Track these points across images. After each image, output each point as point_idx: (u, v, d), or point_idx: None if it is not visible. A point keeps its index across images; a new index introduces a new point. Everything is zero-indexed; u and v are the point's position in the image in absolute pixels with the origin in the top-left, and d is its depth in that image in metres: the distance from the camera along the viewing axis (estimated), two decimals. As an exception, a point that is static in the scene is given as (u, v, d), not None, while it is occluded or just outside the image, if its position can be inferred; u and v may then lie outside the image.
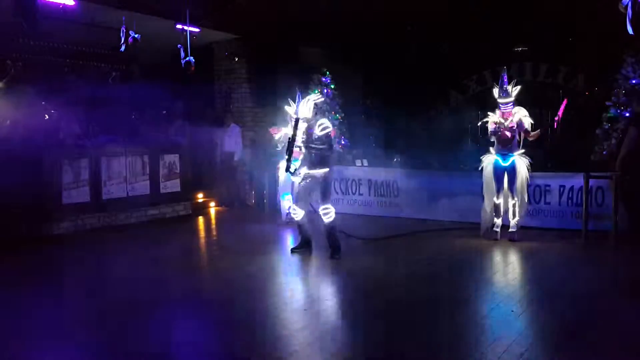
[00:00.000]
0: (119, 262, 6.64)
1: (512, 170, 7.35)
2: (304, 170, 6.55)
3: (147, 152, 9.12)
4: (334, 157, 7.60)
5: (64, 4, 7.91)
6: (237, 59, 11.38)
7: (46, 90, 8.37)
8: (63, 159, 8.03)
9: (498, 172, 7.42)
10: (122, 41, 8.43)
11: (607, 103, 8.76)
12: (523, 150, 7.45)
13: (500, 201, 7.50)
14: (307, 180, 6.61)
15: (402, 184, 9.37)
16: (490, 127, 7.42)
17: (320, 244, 6.85)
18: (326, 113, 10.43)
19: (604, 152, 8.62)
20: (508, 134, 7.28)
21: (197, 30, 9.50)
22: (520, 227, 7.57)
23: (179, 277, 5.95)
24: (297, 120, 6.39)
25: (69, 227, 7.98)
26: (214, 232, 9.04)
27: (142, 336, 4.28)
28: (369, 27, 10.37)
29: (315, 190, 6.66)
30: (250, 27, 10.45)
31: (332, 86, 10.75)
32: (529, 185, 7.58)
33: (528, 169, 7.39)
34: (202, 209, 10.54)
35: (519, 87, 7.32)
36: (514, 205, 7.45)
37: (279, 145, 7.45)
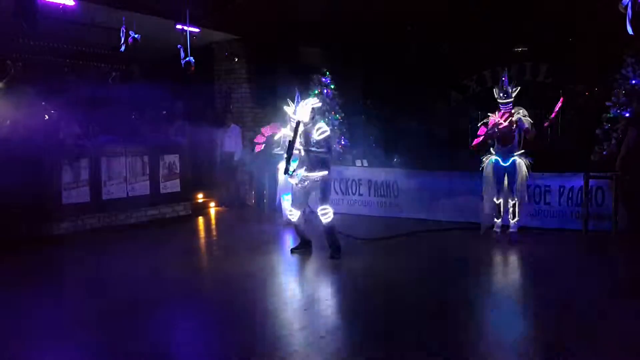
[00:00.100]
0: (118, 262, 6.64)
1: (512, 171, 7.35)
2: (302, 172, 6.55)
3: (147, 152, 9.12)
4: (334, 158, 7.60)
5: (64, 4, 7.91)
6: (237, 59, 11.38)
7: (46, 91, 8.36)
8: (63, 159, 8.02)
9: (498, 172, 7.42)
10: (122, 41, 8.43)
11: (607, 103, 8.76)
12: (523, 150, 7.45)
13: (500, 201, 7.50)
14: (305, 183, 6.61)
15: (402, 184, 9.38)
16: (486, 128, 7.42)
17: (320, 244, 6.86)
18: (326, 113, 10.44)
19: (604, 152, 8.62)
20: (505, 123, 7.24)
21: (197, 30, 9.50)
22: (520, 228, 7.57)
23: (179, 277, 5.96)
24: (298, 123, 6.39)
25: (68, 227, 7.98)
26: (214, 232, 9.04)
27: (142, 336, 4.28)
28: (369, 27, 10.37)
29: (313, 192, 6.67)
30: (250, 27, 10.45)
31: (332, 86, 10.75)
32: (529, 186, 7.58)
33: (528, 169, 7.39)
34: (202, 209, 10.54)
35: (519, 88, 7.32)
36: (513, 206, 7.45)
37: (275, 148, 7.48)
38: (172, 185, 9.51)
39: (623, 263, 6.60)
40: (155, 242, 7.83)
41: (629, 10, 5.71)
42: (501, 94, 7.27)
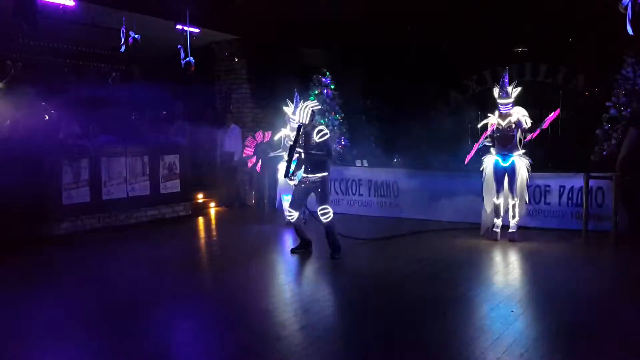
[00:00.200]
0: (118, 262, 6.64)
1: (512, 171, 7.35)
2: (301, 173, 6.55)
3: (147, 153, 9.12)
4: (333, 159, 7.60)
5: (64, 4, 7.92)
6: (237, 60, 11.38)
7: (46, 91, 8.37)
8: (63, 159, 8.02)
9: (498, 172, 7.42)
10: (122, 41, 8.44)
11: (607, 103, 8.76)
12: (523, 151, 7.45)
13: (500, 201, 7.50)
14: (305, 184, 6.61)
15: (402, 185, 9.37)
16: (489, 130, 7.45)
17: (320, 244, 6.86)
18: (326, 114, 10.44)
19: (604, 153, 8.62)
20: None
21: (197, 30, 9.50)
22: (520, 228, 7.58)
23: (179, 277, 5.95)
24: (299, 127, 6.39)
25: (68, 227, 7.98)
26: (214, 233, 9.04)
27: (142, 336, 4.28)
28: (369, 27, 10.37)
29: (312, 193, 6.67)
30: (250, 27, 10.45)
31: (332, 86, 10.75)
32: (529, 186, 7.58)
33: (528, 170, 7.39)
34: (202, 210, 10.53)
35: (519, 89, 7.32)
36: (513, 206, 7.45)
37: (274, 150, 7.50)
38: (172, 186, 9.51)
39: (623, 263, 6.60)
40: (155, 242, 7.83)
41: (629, 11, 5.72)
42: (501, 94, 7.27)
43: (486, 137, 7.49)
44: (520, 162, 7.38)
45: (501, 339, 4.07)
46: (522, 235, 7.50)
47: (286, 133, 7.66)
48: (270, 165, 9.32)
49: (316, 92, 10.48)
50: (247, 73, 11.44)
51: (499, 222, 7.58)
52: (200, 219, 9.77)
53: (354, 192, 9.82)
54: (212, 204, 10.92)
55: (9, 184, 6.90)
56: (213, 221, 9.86)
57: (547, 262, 6.56)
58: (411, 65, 11.52)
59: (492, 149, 7.53)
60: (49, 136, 8.16)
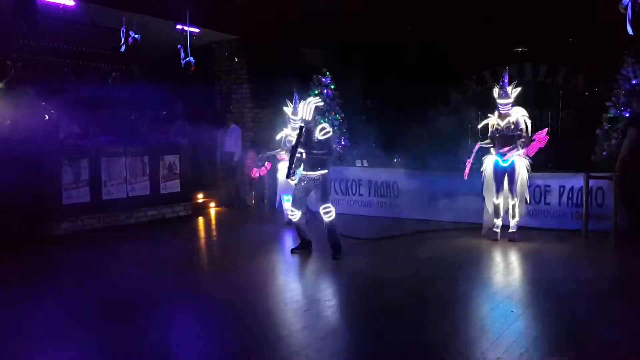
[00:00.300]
0: (118, 262, 6.64)
1: (511, 171, 7.35)
2: (301, 171, 6.55)
3: (147, 153, 9.11)
4: (334, 159, 7.61)
5: (64, 4, 7.92)
6: (237, 60, 11.39)
7: (46, 91, 8.37)
8: (63, 159, 8.02)
9: (498, 172, 7.42)
10: (122, 41, 8.44)
11: (607, 103, 8.76)
12: (523, 151, 7.44)
13: (499, 201, 7.50)
14: (305, 182, 6.61)
15: (402, 185, 9.37)
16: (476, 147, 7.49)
17: (321, 244, 6.86)
18: (326, 114, 10.44)
19: (604, 153, 8.62)
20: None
21: (197, 30, 9.50)
22: (520, 228, 7.57)
23: (179, 277, 5.95)
24: (301, 128, 6.39)
25: (68, 227, 7.98)
26: (214, 233, 9.04)
27: (142, 337, 4.28)
28: (369, 27, 10.38)
29: (313, 191, 6.67)
30: (250, 27, 10.45)
31: (332, 86, 10.75)
32: (529, 186, 7.58)
33: (528, 170, 7.39)
34: (202, 210, 10.54)
35: (519, 89, 7.32)
36: (513, 206, 7.45)
37: (276, 150, 7.50)
38: (172, 186, 9.50)
39: (623, 263, 6.60)
40: (155, 242, 7.83)
41: (629, 11, 5.71)
42: (501, 94, 7.27)
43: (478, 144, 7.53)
44: (520, 162, 7.37)
45: (501, 339, 4.07)
46: (522, 235, 7.50)
47: (287, 133, 7.66)
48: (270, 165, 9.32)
49: (316, 92, 10.49)
50: (247, 73, 11.45)
51: (498, 222, 7.58)
52: (200, 219, 9.77)
53: (354, 192, 9.82)
54: (212, 204, 10.92)
55: (9, 184, 6.89)
56: (213, 221, 9.86)
57: (547, 262, 6.56)
58: (411, 65, 11.52)
59: (492, 149, 7.53)
60: (49, 136, 8.16)
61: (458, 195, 8.70)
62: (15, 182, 7.01)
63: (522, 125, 7.28)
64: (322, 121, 8.95)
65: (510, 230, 7.50)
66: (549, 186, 8.18)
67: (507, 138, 7.33)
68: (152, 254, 7.05)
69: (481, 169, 7.62)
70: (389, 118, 11.59)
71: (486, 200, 7.64)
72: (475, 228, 7.94)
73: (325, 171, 6.59)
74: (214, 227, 9.48)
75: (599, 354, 3.89)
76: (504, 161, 7.36)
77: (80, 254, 7.10)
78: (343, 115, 10.85)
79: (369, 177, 9.73)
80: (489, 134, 7.52)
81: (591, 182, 7.61)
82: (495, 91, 7.37)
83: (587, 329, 4.34)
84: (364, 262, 6.55)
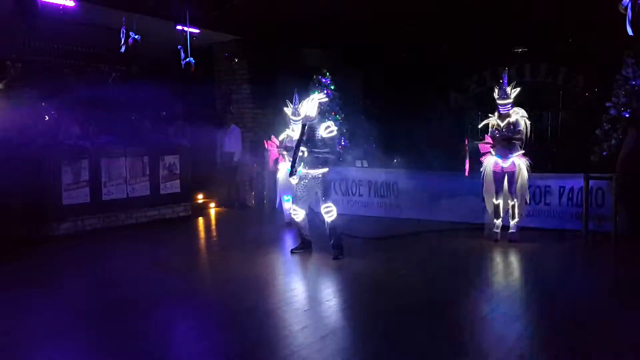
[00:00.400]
0: (118, 262, 6.64)
1: (511, 171, 7.34)
2: (302, 169, 6.54)
3: (147, 153, 9.11)
4: (335, 159, 7.61)
5: (64, 4, 7.92)
6: (237, 60, 11.38)
7: (46, 91, 8.37)
8: (63, 159, 8.02)
9: (498, 173, 7.42)
10: (122, 42, 8.43)
11: (607, 103, 8.75)
12: (523, 151, 7.44)
13: (499, 202, 7.50)
14: (306, 181, 6.61)
15: (402, 185, 9.37)
16: (488, 135, 7.48)
17: (321, 244, 6.86)
18: (326, 114, 10.44)
19: (604, 153, 8.62)
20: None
21: (197, 31, 9.49)
22: (520, 228, 7.57)
23: (179, 277, 5.95)
24: (304, 126, 6.39)
25: (68, 227, 7.98)
26: (214, 233, 9.04)
27: (142, 337, 4.28)
28: (369, 27, 10.37)
29: (314, 190, 6.66)
30: (250, 27, 10.45)
31: (332, 87, 10.75)
32: (529, 186, 7.57)
33: (528, 170, 7.38)
34: (202, 210, 10.54)
35: (518, 89, 7.32)
36: (513, 207, 7.45)
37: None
38: (172, 186, 9.50)
39: (623, 264, 6.60)
40: (155, 242, 7.83)
41: (629, 11, 5.71)
42: (500, 95, 7.28)
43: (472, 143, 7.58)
44: (520, 162, 7.37)
45: (501, 339, 4.07)
46: (522, 236, 7.50)
47: (288, 134, 7.67)
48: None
49: (316, 92, 10.47)
50: (247, 73, 11.43)
51: (498, 222, 7.58)
52: (200, 220, 9.77)
53: (354, 192, 9.82)
54: (212, 205, 10.92)
55: (9, 184, 6.90)
56: (213, 221, 9.86)
57: (547, 262, 6.56)
58: (411, 66, 11.52)
59: (491, 150, 7.53)
60: (49, 136, 8.16)
61: (458, 196, 8.70)
62: (16, 182, 7.03)
63: (522, 126, 7.28)
64: (326, 119, 8.94)
65: (510, 230, 7.50)
66: (549, 186, 8.18)
67: (507, 138, 7.32)
68: (152, 254, 7.05)
69: (481, 169, 7.62)
70: (389, 118, 11.59)
71: (486, 200, 7.64)
72: (475, 228, 7.94)
73: (327, 170, 6.60)
74: (214, 227, 9.48)
75: (599, 355, 3.89)
76: (504, 161, 7.36)
77: (80, 254, 7.11)
78: (343, 115, 10.85)
79: (369, 177, 9.73)
80: (488, 134, 7.52)
81: (591, 183, 7.61)
82: (495, 92, 7.38)
83: (587, 329, 4.34)
84: (364, 262, 6.55)
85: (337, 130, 6.74)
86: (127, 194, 8.80)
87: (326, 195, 6.60)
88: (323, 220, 6.64)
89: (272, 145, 8.92)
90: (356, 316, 4.79)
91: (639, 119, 7.79)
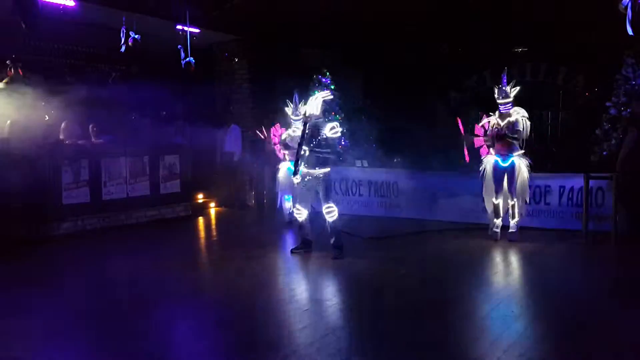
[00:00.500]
0: (119, 262, 6.64)
1: (511, 171, 7.35)
2: (303, 169, 6.54)
3: (147, 153, 9.11)
4: (335, 159, 7.61)
5: (64, 4, 7.92)
6: (237, 60, 11.38)
7: (46, 91, 8.36)
8: (63, 159, 8.02)
9: (498, 172, 7.42)
10: (122, 42, 8.43)
11: (607, 103, 8.75)
12: (523, 151, 7.44)
13: (499, 202, 7.50)
14: (307, 179, 6.61)
15: (402, 185, 9.37)
16: (487, 132, 7.48)
17: (321, 244, 6.86)
18: (326, 114, 10.42)
19: (604, 153, 8.62)
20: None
21: (197, 31, 9.50)
22: (520, 228, 7.57)
23: (179, 277, 5.95)
24: (305, 123, 6.39)
25: (68, 227, 7.98)
26: (214, 233, 9.04)
27: (142, 336, 4.28)
28: (369, 27, 10.37)
29: (315, 189, 6.66)
30: (250, 27, 10.45)
31: (332, 87, 10.74)
32: (529, 186, 7.57)
33: (528, 170, 7.38)
34: (202, 210, 10.54)
35: (517, 88, 7.33)
36: (513, 206, 7.45)
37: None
38: (172, 186, 9.50)
39: (623, 264, 6.59)
40: (155, 242, 7.83)
41: (629, 11, 5.71)
42: (500, 94, 7.28)
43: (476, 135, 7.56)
44: (520, 162, 7.37)
45: (501, 339, 4.07)
46: (522, 236, 7.50)
47: (289, 134, 7.66)
48: (270, 165, 9.31)
49: (316, 92, 10.46)
50: (247, 73, 11.44)
51: (498, 222, 7.58)
52: (200, 219, 9.77)
53: (354, 192, 9.81)
54: (212, 204, 10.92)
55: (9, 184, 6.90)
56: (213, 221, 9.86)
57: (547, 262, 6.56)
58: (411, 65, 11.51)
59: (491, 150, 7.53)
60: (49, 136, 8.16)
61: (458, 196, 8.70)
62: (16, 182, 7.02)
63: (521, 126, 7.28)
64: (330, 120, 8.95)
65: (510, 230, 7.50)
66: (549, 186, 8.18)
67: (501, 136, 7.32)
68: (152, 254, 7.05)
69: (480, 169, 7.62)
70: (389, 118, 11.59)
71: (486, 200, 7.64)
72: (475, 228, 7.94)
73: (328, 169, 6.60)
74: (214, 227, 9.48)
75: (599, 354, 3.89)
76: (504, 161, 7.36)
77: (80, 254, 7.10)
78: (343, 115, 10.84)
79: (369, 177, 9.72)
80: (488, 133, 7.52)
81: (591, 182, 7.61)
82: (495, 91, 7.38)
83: (587, 329, 4.34)
84: (364, 262, 6.55)
85: (340, 130, 6.73)
86: (127, 193, 8.80)
87: (327, 196, 6.60)
88: (325, 220, 6.63)
89: (276, 132, 8.89)
90: (356, 316, 4.78)
91: (639, 118, 7.78)
